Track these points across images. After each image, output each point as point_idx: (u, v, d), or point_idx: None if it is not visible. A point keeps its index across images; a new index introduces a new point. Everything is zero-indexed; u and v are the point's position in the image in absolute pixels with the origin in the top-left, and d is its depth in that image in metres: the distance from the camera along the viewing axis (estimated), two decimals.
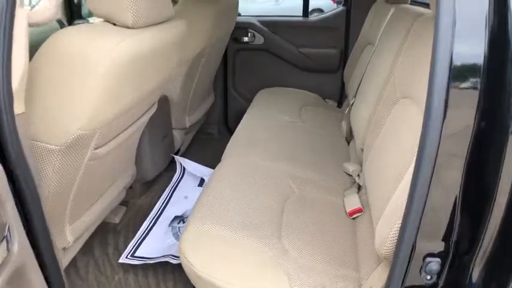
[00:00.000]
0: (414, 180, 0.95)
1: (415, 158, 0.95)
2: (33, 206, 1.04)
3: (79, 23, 2.79)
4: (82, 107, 1.25)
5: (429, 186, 0.94)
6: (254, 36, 3.05)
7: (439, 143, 0.91)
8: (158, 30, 1.48)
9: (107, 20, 1.37)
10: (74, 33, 1.24)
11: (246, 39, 3.06)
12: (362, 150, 1.88)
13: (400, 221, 1.01)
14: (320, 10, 10.65)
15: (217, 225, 1.46)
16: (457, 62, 0.89)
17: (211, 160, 2.21)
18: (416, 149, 0.94)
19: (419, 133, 0.92)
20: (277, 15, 3.30)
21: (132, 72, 1.34)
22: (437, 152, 0.91)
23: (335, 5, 10.58)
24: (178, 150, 2.64)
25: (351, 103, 2.33)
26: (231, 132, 3.22)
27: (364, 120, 1.90)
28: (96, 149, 1.45)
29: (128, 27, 1.35)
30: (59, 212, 1.50)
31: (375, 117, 1.75)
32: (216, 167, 1.87)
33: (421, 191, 0.94)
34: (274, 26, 3.09)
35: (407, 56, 1.61)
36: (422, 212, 0.96)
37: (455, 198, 0.96)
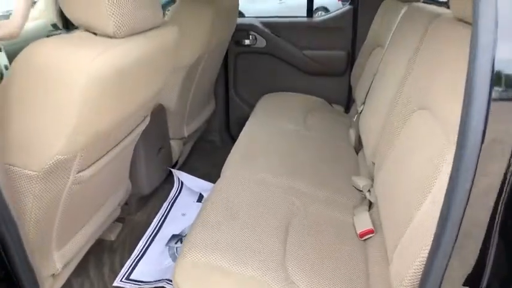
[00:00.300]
0: (446, 210, 0.80)
1: (437, 180, 0.80)
2: (9, 232, 0.95)
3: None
4: (59, 129, 1.11)
5: (463, 215, 0.80)
6: (256, 38, 2.90)
7: (477, 165, 0.76)
8: (146, 39, 1.32)
9: (87, 29, 1.22)
10: (48, 46, 1.09)
11: (247, 41, 2.91)
12: (373, 163, 1.74)
13: (422, 256, 0.87)
14: (325, 8, 10.55)
15: (214, 253, 1.32)
16: (500, 69, 0.74)
17: (213, 169, 2.09)
18: (438, 169, 0.80)
19: (442, 150, 0.77)
20: (281, 16, 3.14)
21: (117, 87, 1.20)
22: (473, 177, 0.77)
23: (340, 2, 10.49)
24: (177, 161, 2.50)
25: (359, 110, 2.19)
26: (233, 139, 3.09)
27: (375, 131, 1.76)
28: (79, 172, 1.31)
29: (110, 37, 1.19)
30: (44, 239, 1.38)
31: (387, 129, 1.60)
32: (215, 184, 1.73)
33: (453, 222, 0.80)
34: (276, 27, 2.94)
35: (424, 61, 1.46)
36: (453, 247, 0.82)
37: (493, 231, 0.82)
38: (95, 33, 1.20)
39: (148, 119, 1.76)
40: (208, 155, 2.91)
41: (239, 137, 2.18)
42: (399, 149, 1.45)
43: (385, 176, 1.50)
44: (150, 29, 1.36)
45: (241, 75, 3.05)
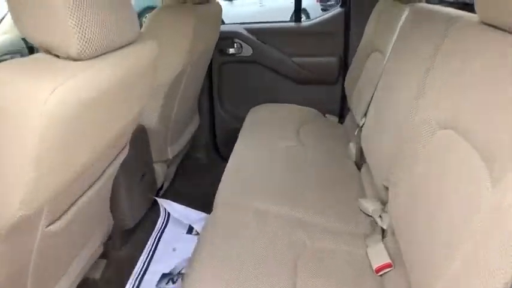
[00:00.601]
0: None
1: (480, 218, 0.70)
2: None
3: None
4: (16, 182, 0.89)
5: None
6: (241, 46, 2.69)
7: None
8: (119, 58, 1.08)
9: (47, 51, 0.97)
10: None
11: (232, 50, 2.70)
12: (385, 187, 1.54)
13: None
14: (304, 11, 10.40)
15: None
16: None
17: (201, 192, 1.94)
18: (479, 205, 0.76)
19: (482, 183, 0.75)
20: (267, 21, 2.93)
21: (85, 123, 0.97)
22: None
23: (319, 4, 10.37)
24: (161, 186, 2.27)
25: (360, 124, 1.99)
26: (220, 155, 2.88)
27: (386, 152, 1.56)
28: (48, 226, 1.09)
29: (74, 60, 0.94)
30: None
31: (403, 151, 1.40)
32: (208, 219, 1.53)
33: None
34: (263, 34, 2.74)
35: (445, 73, 1.27)
36: None
37: None
38: (57, 56, 0.97)
39: (127, 148, 1.53)
40: (195, 175, 2.70)
41: (230, 159, 1.98)
42: (422, 175, 1.25)
43: (405, 204, 1.31)
44: (125, 46, 1.14)
45: (226, 87, 2.84)
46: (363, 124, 1.97)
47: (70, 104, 0.86)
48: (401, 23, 1.86)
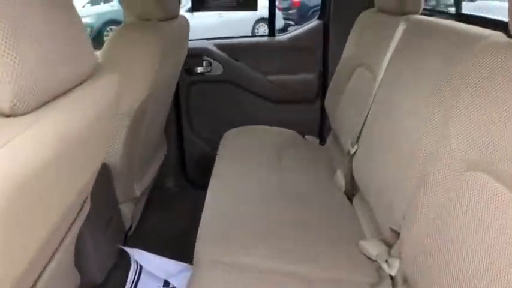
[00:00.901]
0: None
1: None
2: None
3: None
4: None
5: None
6: (211, 64, 2.45)
7: None
8: (71, 103, 0.78)
9: None
10: None
11: (200, 69, 2.45)
12: (394, 230, 1.33)
13: None
14: (265, 20, 10.21)
15: None
16: None
17: (175, 226, 1.88)
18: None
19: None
20: (239, 36, 2.69)
21: (32, 192, 0.69)
22: None
23: (281, 12, 10.22)
24: (130, 227, 1.99)
25: (351, 151, 1.78)
26: (191, 183, 2.62)
27: (393, 191, 1.34)
28: None
29: (6, 116, 0.65)
30: None
31: (421, 193, 1.19)
32: (190, 280, 1.28)
33: None
34: (234, 50, 2.50)
35: (472, 105, 1.06)
36: None
37: None
38: None
39: (89, 203, 1.25)
40: (165, 208, 2.42)
41: (208, 194, 1.74)
42: (442, 220, 1.05)
43: (421, 249, 1.10)
44: (78, 85, 0.86)
45: (195, 109, 2.58)
46: (355, 152, 1.76)
47: (7, 178, 0.59)
48: (396, 36, 1.65)
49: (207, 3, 2.43)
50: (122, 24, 1.70)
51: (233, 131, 2.39)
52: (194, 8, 2.43)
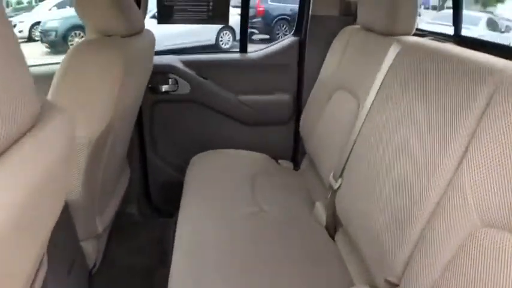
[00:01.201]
0: None
1: None
2: None
3: None
4: None
5: None
6: (177, 82, 2.24)
7: None
8: (18, 158, 0.60)
9: None
10: None
11: (166, 87, 2.23)
12: (391, 283, 1.17)
13: None
14: (230, 28, 10.05)
15: None
16: None
17: (140, 258, 1.77)
18: None
19: None
20: (208, 51, 2.49)
21: None
22: None
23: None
24: (94, 264, 1.76)
25: (334, 186, 1.61)
26: (155, 210, 2.41)
27: (392, 244, 1.18)
28: None
29: None
30: None
31: (425, 245, 1.03)
32: None
33: None
34: (203, 67, 2.30)
35: (491, 148, 0.91)
36: None
37: None
38: None
39: (46, 263, 1.03)
40: (129, 238, 2.19)
41: (177, 235, 1.57)
42: (455, 282, 0.90)
43: None
44: (22, 137, 0.65)
45: (160, 130, 2.36)
46: (339, 186, 1.59)
47: None
48: (388, 59, 1.50)
49: (174, 16, 2.22)
50: (79, 42, 1.48)
51: (201, 155, 2.20)
52: (160, 20, 2.22)
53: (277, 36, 10.42)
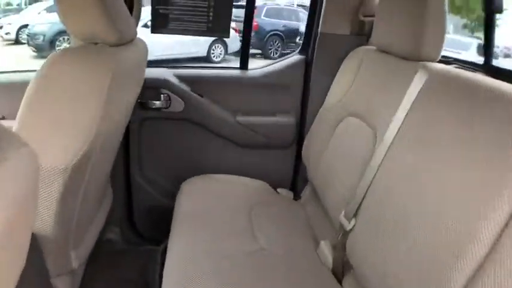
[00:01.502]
0: None
1: None
2: None
3: None
4: None
5: None
6: (169, 99, 2.03)
7: None
8: None
9: None
10: None
11: (157, 103, 2.02)
12: None
13: None
14: (222, 41, 9.86)
15: None
16: None
17: None
18: None
19: None
20: (206, 66, 2.29)
21: None
22: None
23: (237, 34, 9.87)
24: None
25: (347, 227, 1.42)
26: (139, 236, 2.19)
27: None
28: None
29: None
30: None
31: None
32: None
33: None
34: (199, 83, 2.10)
35: None
36: None
37: None
38: None
39: None
40: (109, 267, 1.95)
41: (166, 270, 1.40)
42: None
43: None
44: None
45: (148, 150, 2.14)
46: (352, 228, 1.40)
47: None
48: (413, 87, 1.32)
49: (169, 25, 2.02)
50: (59, 51, 1.27)
51: (193, 179, 1.99)
52: (154, 30, 2.02)
53: (270, 51, 10.31)
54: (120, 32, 1.35)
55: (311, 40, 2.09)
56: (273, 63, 2.18)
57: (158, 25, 2.03)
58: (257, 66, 2.19)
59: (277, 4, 11.88)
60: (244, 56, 2.17)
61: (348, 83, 1.78)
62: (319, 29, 2.03)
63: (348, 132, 1.66)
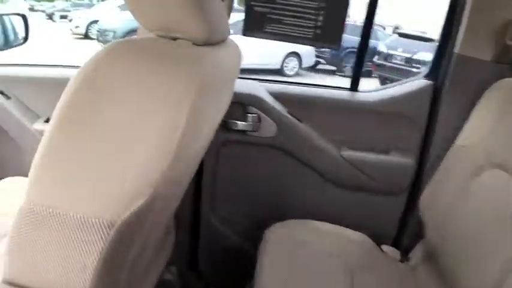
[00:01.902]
0: None
1: None
2: None
3: None
4: None
5: None
6: (259, 120, 1.63)
7: None
8: None
9: None
10: None
11: (242, 125, 1.62)
12: None
13: None
14: (296, 54, 9.49)
15: None
16: None
17: None
18: None
19: None
20: (304, 84, 1.85)
21: None
22: None
23: (313, 50, 9.45)
24: None
25: None
26: (201, 279, 1.82)
27: None
28: None
29: None
30: None
31: None
32: None
33: None
34: (297, 103, 1.68)
35: None
36: None
37: None
38: None
39: None
40: None
41: None
42: None
43: None
44: None
45: (224, 181, 1.75)
46: None
47: None
48: None
49: (265, 27, 1.62)
50: (117, 41, 0.85)
51: (281, 225, 1.58)
52: (246, 32, 1.63)
53: (345, 69, 9.83)
54: (211, 25, 0.94)
55: (442, 62, 1.63)
56: (390, 86, 1.73)
57: (252, 27, 1.63)
58: (369, 88, 1.75)
59: (354, 21, 11.50)
60: (356, 74, 1.73)
61: (490, 123, 1.35)
62: (454, 50, 1.57)
63: (493, 189, 1.24)
